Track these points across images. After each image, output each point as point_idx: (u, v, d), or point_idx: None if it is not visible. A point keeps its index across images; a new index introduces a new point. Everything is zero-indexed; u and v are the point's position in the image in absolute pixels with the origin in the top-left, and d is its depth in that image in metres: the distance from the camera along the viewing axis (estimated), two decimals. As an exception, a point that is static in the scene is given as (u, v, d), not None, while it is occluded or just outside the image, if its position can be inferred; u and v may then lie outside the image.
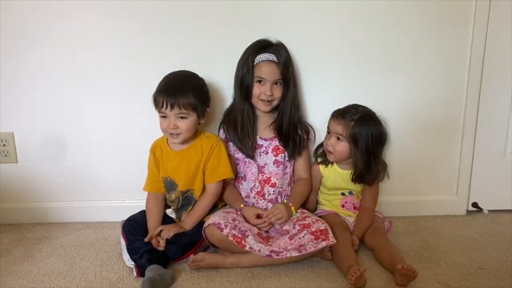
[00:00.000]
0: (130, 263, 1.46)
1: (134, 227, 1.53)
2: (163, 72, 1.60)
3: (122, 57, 1.69)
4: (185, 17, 1.65)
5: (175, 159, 1.57)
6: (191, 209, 1.59)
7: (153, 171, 1.61)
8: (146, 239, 1.49)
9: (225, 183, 1.63)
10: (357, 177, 1.61)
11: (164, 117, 1.49)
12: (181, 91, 1.47)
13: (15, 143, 1.77)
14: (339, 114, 1.58)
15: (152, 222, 1.56)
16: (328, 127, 1.63)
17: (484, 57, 1.71)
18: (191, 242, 1.51)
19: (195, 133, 1.57)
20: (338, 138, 1.58)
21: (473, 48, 1.70)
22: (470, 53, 1.71)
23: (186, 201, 1.61)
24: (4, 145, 1.77)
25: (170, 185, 1.60)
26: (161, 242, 1.47)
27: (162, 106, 1.46)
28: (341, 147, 1.58)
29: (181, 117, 1.48)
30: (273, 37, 1.59)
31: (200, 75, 1.59)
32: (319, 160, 1.69)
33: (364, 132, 1.54)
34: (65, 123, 1.75)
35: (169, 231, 1.50)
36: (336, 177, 1.66)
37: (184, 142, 1.55)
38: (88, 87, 1.72)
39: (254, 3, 1.64)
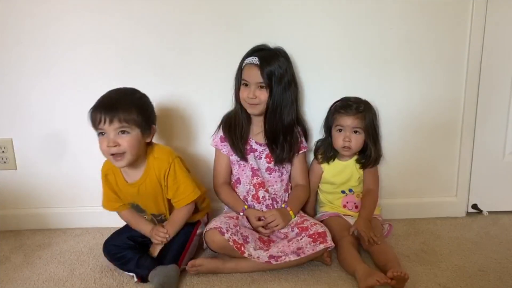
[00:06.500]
0: (128, 273, 1.47)
1: (116, 249, 1.49)
2: (164, 77, 1.61)
3: (122, 64, 1.69)
4: (187, 18, 1.65)
5: (132, 191, 1.45)
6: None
7: (109, 194, 1.49)
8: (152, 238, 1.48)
9: (221, 186, 1.64)
10: (369, 162, 1.65)
11: (103, 134, 1.34)
12: (121, 104, 1.33)
13: (14, 149, 1.77)
14: (349, 109, 1.60)
15: (143, 225, 1.52)
16: (337, 125, 1.62)
17: (482, 58, 1.70)
18: (180, 250, 1.49)
19: (144, 154, 1.43)
20: (355, 132, 1.61)
21: (471, 49, 1.70)
22: (468, 53, 1.71)
23: (162, 222, 1.56)
24: (3, 151, 1.77)
25: (138, 209, 1.54)
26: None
27: (100, 122, 1.31)
28: (360, 139, 1.62)
29: (122, 132, 1.33)
30: (274, 39, 1.60)
31: (202, 78, 1.59)
32: (320, 160, 1.69)
33: (372, 118, 1.63)
34: (63, 129, 1.76)
35: (156, 251, 1.49)
36: (336, 170, 1.68)
37: (133, 165, 1.40)
38: (87, 93, 1.70)
39: (254, 3, 1.64)
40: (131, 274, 1.44)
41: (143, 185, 1.44)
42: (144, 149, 1.42)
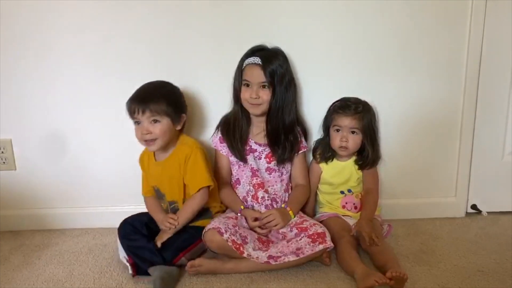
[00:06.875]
0: (125, 259, 1.49)
1: (131, 229, 1.53)
2: (162, 77, 1.59)
3: (121, 66, 1.69)
4: (185, 18, 1.66)
5: (157, 169, 1.58)
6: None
7: (144, 178, 1.65)
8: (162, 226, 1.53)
9: (221, 186, 1.64)
10: (367, 164, 1.64)
11: (138, 123, 1.51)
12: (152, 97, 1.49)
13: (13, 150, 1.77)
14: (347, 109, 1.60)
15: (158, 213, 1.58)
16: (335, 125, 1.63)
17: (481, 58, 1.71)
18: (184, 246, 1.51)
19: (175, 140, 1.57)
20: (353, 132, 1.60)
21: (470, 49, 1.70)
22: (467, 54, 1.71)
23: (175, 211, 1.59)
24: (2, 152, 1.77)
25: (158, 194, 1.62)
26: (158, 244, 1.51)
27: (134, 112, 1.48)
28: (357, 139, 1.62)
29: (154, 121, 1.49)
30: (273, 39, 1.60)
31: (200, 79, 1.60)
32: (318, 159, 1.69)
33: (370, 119, 1.63)
34: (63, 130, 1.76)
35: (162, 238, 1.52)
36: (335, 171, 1.68)
37: (164, 149, 1.55)
38: (86, 93, 1.73)
39: (254, 3, 1.65)
40: (127, 264, 1.47)
41: (167, 164, 1.56)
42: (176, 136, 1.57)
